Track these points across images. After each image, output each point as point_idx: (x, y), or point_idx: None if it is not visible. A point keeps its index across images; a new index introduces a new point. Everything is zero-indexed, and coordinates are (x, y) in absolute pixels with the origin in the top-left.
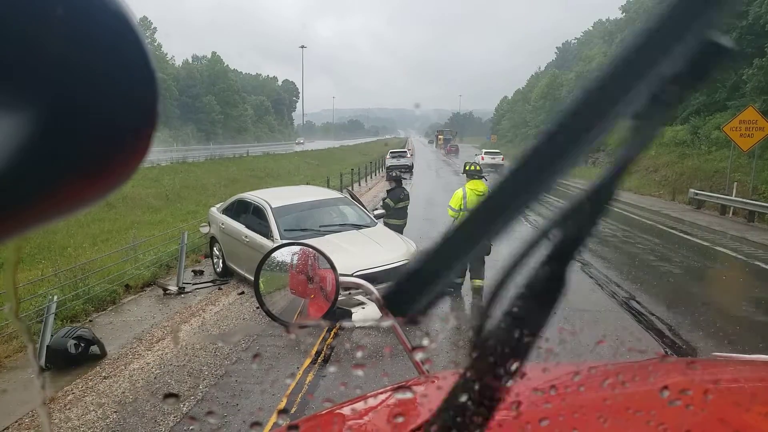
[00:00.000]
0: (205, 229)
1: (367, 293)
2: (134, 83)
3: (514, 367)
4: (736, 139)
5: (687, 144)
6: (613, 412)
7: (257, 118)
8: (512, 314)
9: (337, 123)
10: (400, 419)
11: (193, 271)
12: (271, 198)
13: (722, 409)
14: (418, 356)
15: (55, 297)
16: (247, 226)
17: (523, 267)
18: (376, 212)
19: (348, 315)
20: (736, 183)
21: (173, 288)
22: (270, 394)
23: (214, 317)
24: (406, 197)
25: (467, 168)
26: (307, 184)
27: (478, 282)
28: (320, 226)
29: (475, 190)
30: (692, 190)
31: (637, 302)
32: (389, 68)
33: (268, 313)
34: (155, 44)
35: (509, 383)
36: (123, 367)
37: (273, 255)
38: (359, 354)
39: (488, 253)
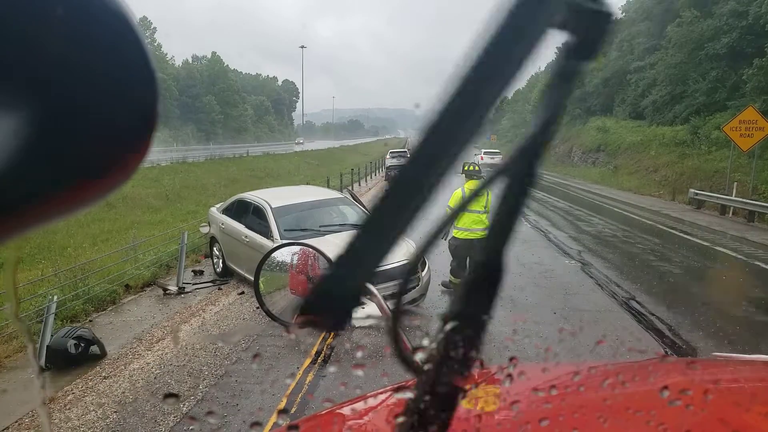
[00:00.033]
0: (205, 229)
1: (366, 293)
2: (134, 83)
3: (472, 357)
4: (736, 139)
5: (687, 144)
6: (613, 412)
7: (257, 118)
8: (459, 307)
9: (337, 123)
10: (400, 419)
11: (193, 271)
12: (271, 198)
13: (722, 409)
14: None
15: (55, 297)
16: (247, 226)
17: (434, 246)
18: None
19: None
20: (736, 183)
21: (173, 288)
22: (270, 394)
23: (214, 317)
24: None
25: (465, 168)
26: (307, 184)
27: None
28: (320, 226)
29: (473, 190)
30: (692, 190)
31: (637, 302)
32: (389, 68)
33: (268, 313)
34: (155, 44)
35: (468, 376)
36: (123, 367)
37: (273, 255)
38: (359, 354)
39: None
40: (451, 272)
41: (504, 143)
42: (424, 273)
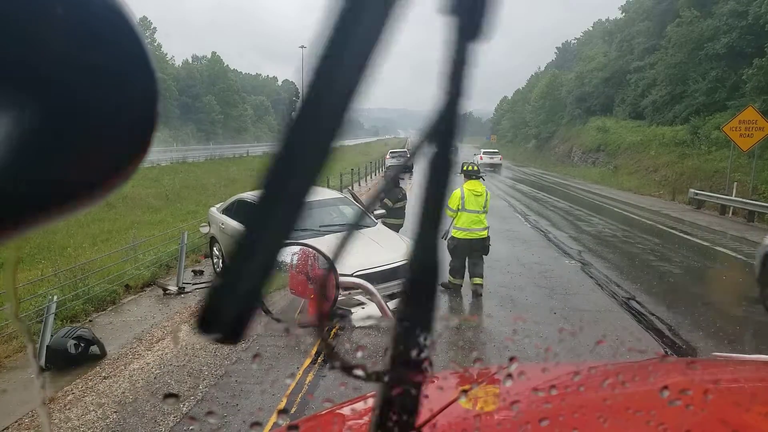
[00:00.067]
0: (205, 229)
1: (367, 293)
2: (134, 83)
3: (422, 358)
4: (735, 139)
5: (687, 144)
6: (613, 412)
7: (257, 118)
8: (402, 313)
9: None
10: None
11: (193, 271)
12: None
13: (722, 409)
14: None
15: (55, 297)
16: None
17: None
18: (376, 212)
19: (348, 315)
20: (736, 183)
21: (173, 288)
22: (270, 394)
23: None
24: (404, 197)
25: (464, 168)
26: None
27: (477, 280)
28: (320, 226)
29: (473, 190)
30: (692, 190)
31: (637, 302)
32: (389, 68)
33: (268, 313)
34: (155, 44)
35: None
36: (123, 367)
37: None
38: (359, 354)
39: (486, 253)
40: (450, 272)
41: (504, 143)
42: None
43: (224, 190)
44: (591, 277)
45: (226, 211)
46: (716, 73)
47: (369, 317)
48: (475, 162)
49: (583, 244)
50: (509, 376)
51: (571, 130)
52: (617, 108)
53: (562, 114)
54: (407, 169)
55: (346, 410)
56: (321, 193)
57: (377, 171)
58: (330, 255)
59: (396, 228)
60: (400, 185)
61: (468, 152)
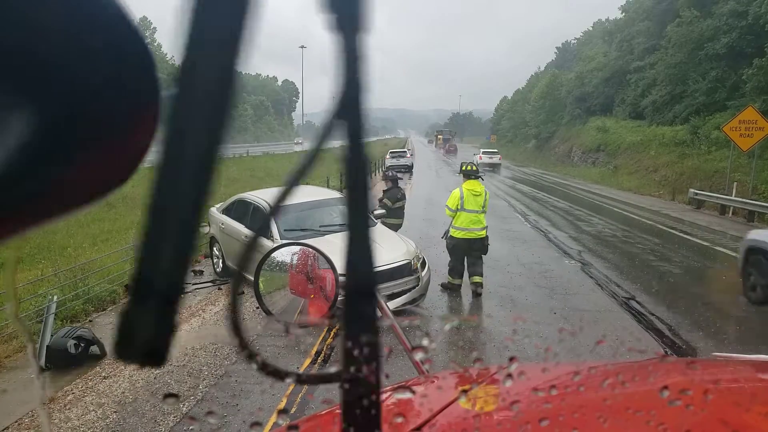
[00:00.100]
0: (204, 229)
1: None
2: (135, 83)
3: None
4: (735, 139)
5: (687, 144)
6: (613, 412)
7: (257, 118)
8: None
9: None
10: (400, 419)
11: (193, 271)
12: (271, 198)
13: (722, 409)
14: (418, 356)
15: (55, 297)
16: (247, 226)
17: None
18: (376, 212)
19: None
20: (735, 183)
21: None
22: (270, 394)
23: (214, 317)
24: (403, 197)
25: (464, 168)
26: (307, 184)
27: (477, 278)
28: (320, 226)
29: (472, 190)
30: (692, 190)
31: (637, 302)
32: (389, 68)
33: (268, 313)
34: (155, 44)
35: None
36: (123, 367)
37: (273, 255)
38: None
39: (485, 253)
40: (450, 272)
41: (504, 143)
42: (424, 273)
43: (224, 190)
44: (591, 277)
45: (226, 211)
46: (716, 73)
47: None
48: (475, 162)
49: (583, 244)
50: (509, 376)
51: (571, 130)
52: (617, 108)
53: (562, 114)
54: (407, 168)
55: None
56: (321, 193)
57: (377, 171)
58: (273, 203)
59: (395, 228)
60: (399, 185)
61: (468, 152)
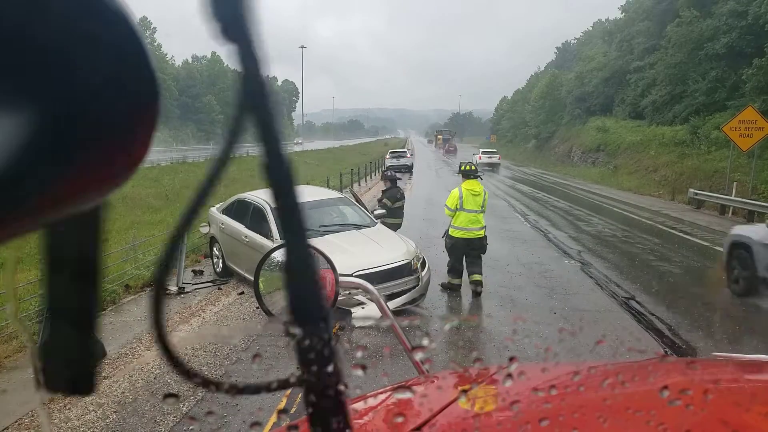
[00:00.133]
0: (205, 229)
1: (366, 293)
2: (134, 83)
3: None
4: (735, 139)
5: (687, 144)
6: (613, 412)
7: None
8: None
9: (337, 123)
10: (400, 419)
11: (193, 271)
12: (270, 198)
13: (722, 409)
14: (418, 356)
15: None
16: (247, 227)
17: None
18: (376, 212)
19: (348, 315)
20: (735, 183)
21: (173, 288)
22: (270, 394)
23: (214, 317)
24: (402, 196)
25: (462, 168)
26: (307, 184)
27: (476, 277)
28: (320, 226)
29: (471, 190)
30: (692, 190)
31: (637, 302)
32: (389, 68)
33: (268, 313)
34: (155, 44)
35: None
36: (123, 367)
37: (273, 255)
38: (359, 354)
39: (484, 252)
40: (449, 273)
41: (504, 143)
42: (424, 273)
43: (224, 190)
44: (591, 277)
45: (226, 211)
46: (716, 73)
47: (369, 317)
48: (474, 161)
49: (582, 243)
50: (509, 376)
51: (571, 130)
52: (617, 108)
53: (561, 114)
54: (407, 168)
55: None
56: (321, 193)
57: (377, 171)
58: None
59: (395, 227)
60: (398, 185)
61: (468, 152)
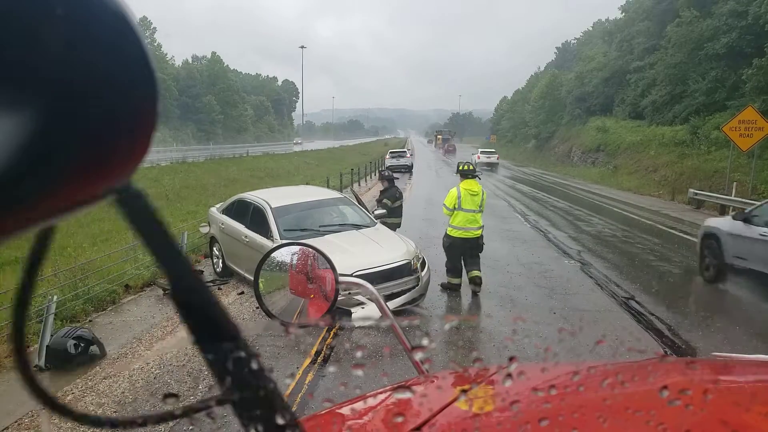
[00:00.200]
0: (204, 229)
1: (366, 293)
2: (134, 83)
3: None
4: (735, 139)
5: (686, 144)
6: (613, 412)
7: (257, 118)
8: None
9: (337, 123)
10: (399, 419)
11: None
12: (270, 198)
13: (722, 409)
14: (418, 356)
15: (55, 297)
16: (247, 227)
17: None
18: (376, 212)
19: (347, 315)
20: (735, 183)
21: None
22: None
23: None
24: (401, 196)
25: (461, 168)
26: (307, 184)
27: (475, 272)
28: (320, 226)
29: (469, 189)
30: (692, 190)
31: (637, 302)
32: (389, 68)
33: (268, 313)
34: (155, 44)
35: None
36: (123, 367)
37: (273, 255)
38: (359, 354)
39: (481, 251)
40: (448, 273)
41: (503, 143)
42: (423, 273)
43: (224, 190)
44: (591, 276)
45: (226, 212)
46: (716, 73)
47: (369, 317)
48: (473, 161)
49: (582, 243)
50: (509, 376)
51: (571, 130)
52: (617, 108)
53: (561, 114)
54: (407, 168)
55: (345, 410)
56: (321, 193)
57: (377, 171)
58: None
59: (395, 227)
60: (396, 185)
61: (467, 152)
